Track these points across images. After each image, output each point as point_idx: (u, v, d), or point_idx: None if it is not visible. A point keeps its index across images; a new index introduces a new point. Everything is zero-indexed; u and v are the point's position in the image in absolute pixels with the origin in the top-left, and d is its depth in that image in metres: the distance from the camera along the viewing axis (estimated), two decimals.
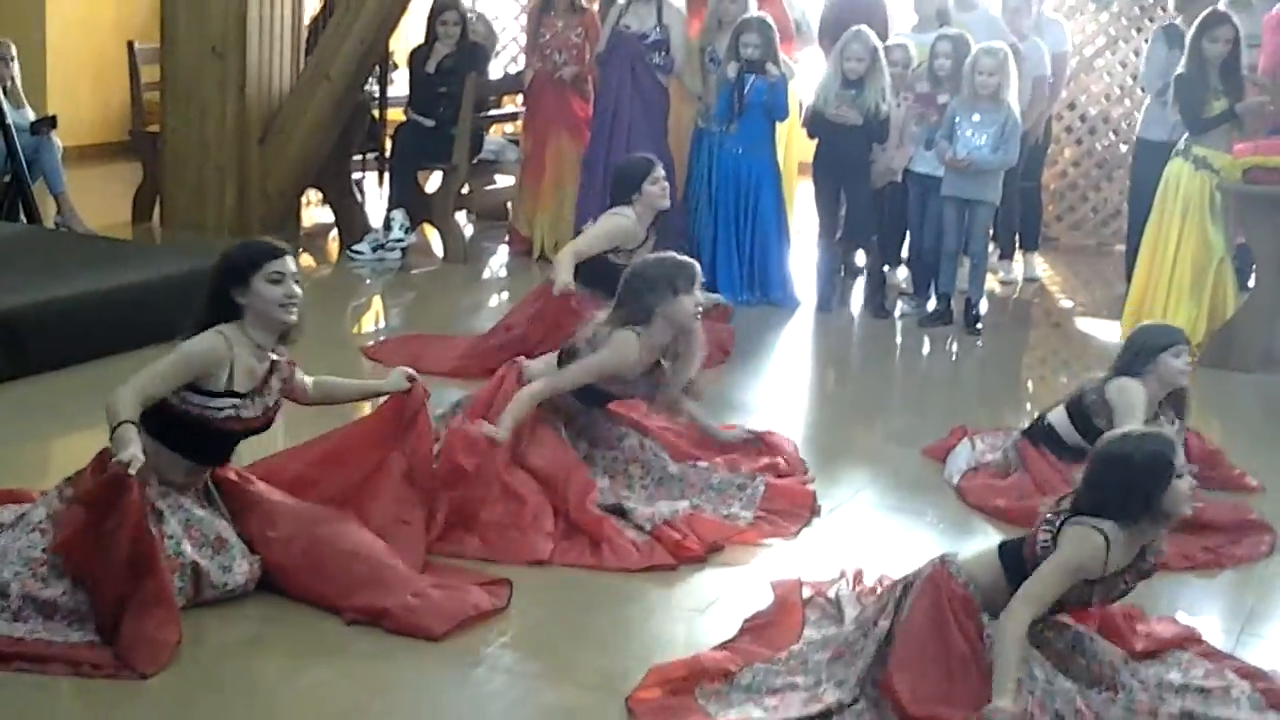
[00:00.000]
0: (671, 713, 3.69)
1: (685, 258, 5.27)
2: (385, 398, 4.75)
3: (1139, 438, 3.82)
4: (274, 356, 4.34)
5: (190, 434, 4.21)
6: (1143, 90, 9.13)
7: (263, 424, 4.35)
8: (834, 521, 5.11)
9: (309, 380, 4.59)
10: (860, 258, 8.84)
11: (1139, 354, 5.27)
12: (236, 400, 4.22)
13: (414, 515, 4.57)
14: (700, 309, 5.18)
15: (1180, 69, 7.60)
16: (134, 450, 3.85)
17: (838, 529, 5.06)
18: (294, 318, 4.28)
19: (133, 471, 3.81)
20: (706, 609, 4.38)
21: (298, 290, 4.28)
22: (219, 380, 4.18)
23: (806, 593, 4.34)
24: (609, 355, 5.06)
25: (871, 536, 5.00)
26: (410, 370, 4.72)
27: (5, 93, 8.62)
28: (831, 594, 4.33)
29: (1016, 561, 3.76)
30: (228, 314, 4.23)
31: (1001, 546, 3.87)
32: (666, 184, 6.81)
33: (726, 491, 5.09)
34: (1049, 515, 3.79)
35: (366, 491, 4.57)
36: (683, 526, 4.80)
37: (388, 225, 8.92)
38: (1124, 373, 5.22)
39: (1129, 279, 8.21)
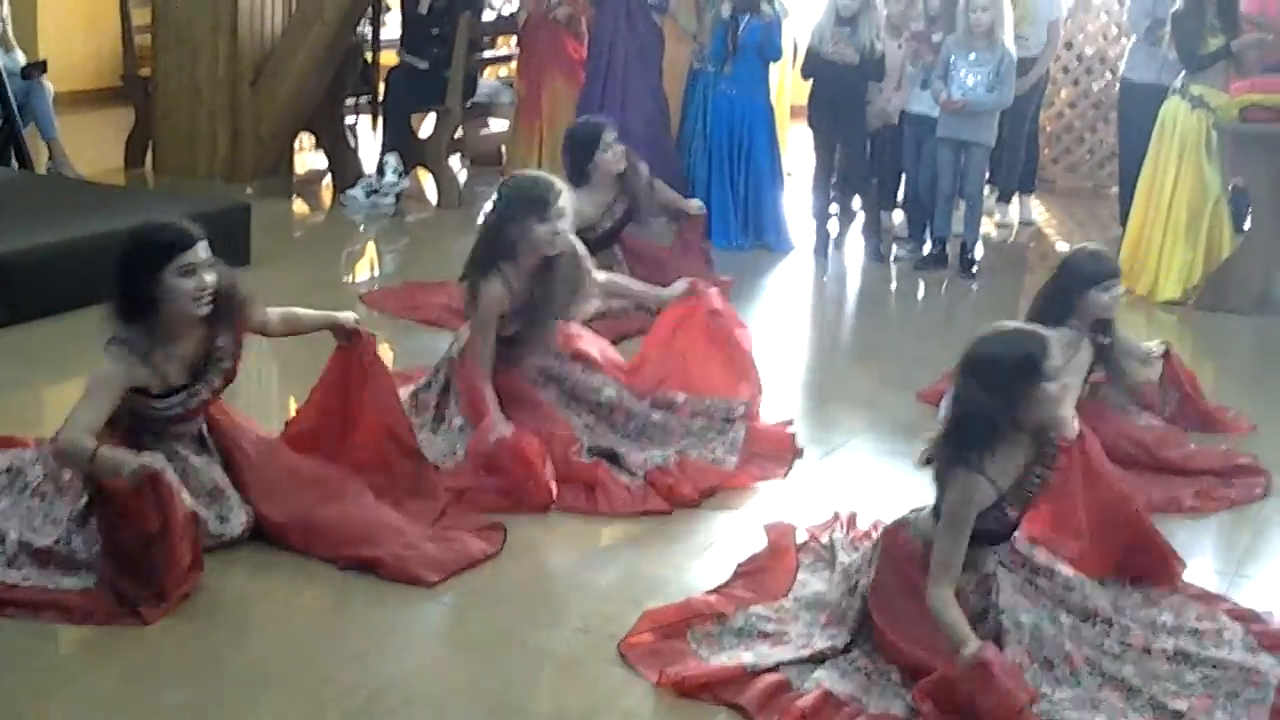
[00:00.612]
0: (664, 656, 3.71)
1: (540, 177, 5.24)
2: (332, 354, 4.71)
3: (1003, 338, 3.72)
4: (214, 340, 4.26)
5: (157, 427, 4.20)
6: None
7: (222, 387, 4.31)
8: (828, 465, 5.12)
9: (275, 314, 4.55)
10: (856, 201, 8.81)
11: (1064, 290, 5.06)
12: (181, 395, 4.19)
13: (406, 469, 4.60)
14: (556, 235, 5.04)
15: (1177, 5, 7.54)
16: (137, 457, 3.87)
17: (832, 473, 5.06)
18: (206, 309, 4.15)
19: (159, 467, 3.85)
20: (701, 553, 4.39)
21: (209, 279, 4.14)
22: (153, 386, 4.13)
23: (800, 537, 4.36)
24: (481, 309, 4.99)
25: (865, 480, 5.00)
26: (351, 315, 4.70)
27: None
28: (825, 539, 4.35)
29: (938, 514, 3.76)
30: (139, 310, 4.10)
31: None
32: (620, 146, 6.81)
33: (707, 436, 5.09)
34: (927, 457, 3.76)
35: (354, 458, 4.58)
36: (675, 471, 4.82)
37: (381, 170, 8.88)
38: (1043, 316, 4.85)
39: (1123, 222, 8.19)
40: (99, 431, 3.97)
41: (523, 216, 4.99)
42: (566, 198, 5.08)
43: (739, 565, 4.20)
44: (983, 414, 3.63)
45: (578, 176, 6.74)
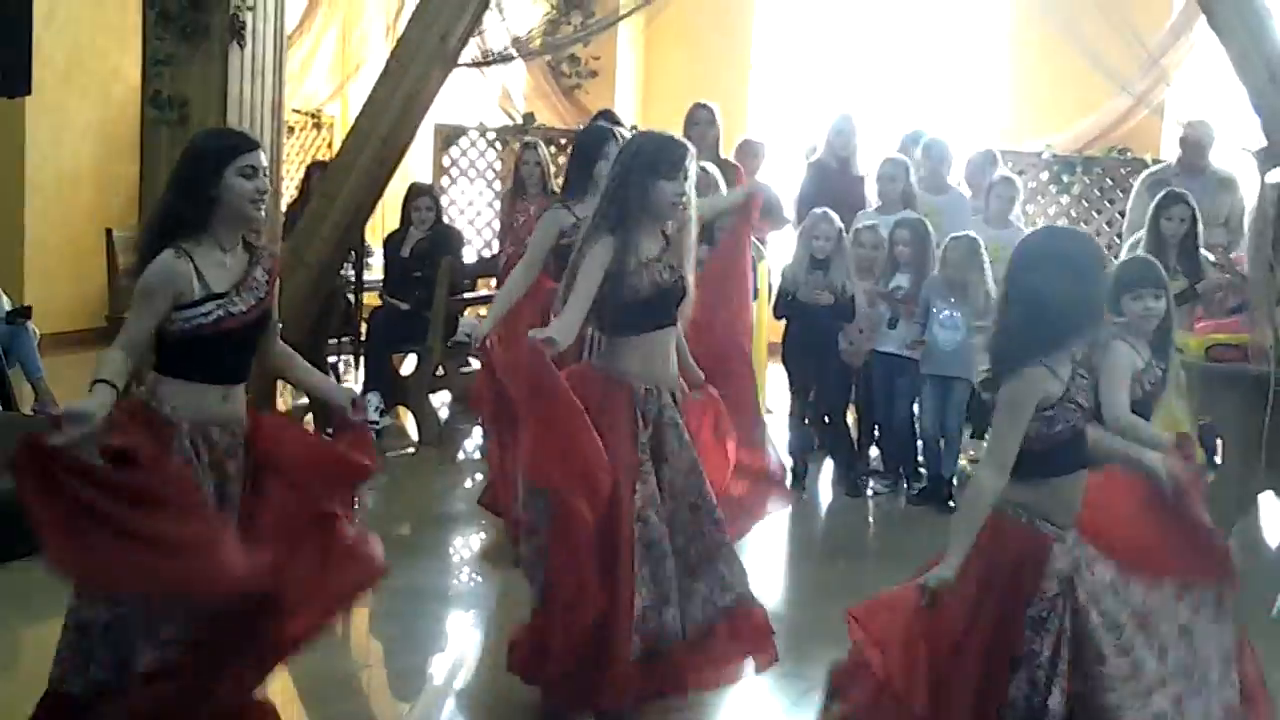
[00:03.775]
0: None
1: (672, 136, 4.95)
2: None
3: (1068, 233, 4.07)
4: (254, 244, 4.27)
5: (198, 353, 4.14)
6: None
7: (258, 318, 4.24)
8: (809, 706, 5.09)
9: (282, 346, 4.50)
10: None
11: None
12: (220, 300, 4.13)
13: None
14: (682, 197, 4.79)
15: (1139, 250, 7.75)
16: (83, 407, 3.91)
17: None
18: (262, 214, 4.20)
19: (54, 443, 3.84)
20: None
21: (267, 185, 4.22)
22: (193, 292, 4.09)
23: None
24: (583, 269, 4.67)
25: None
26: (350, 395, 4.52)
27: None
28: None
29: None
30: (195, 210, 4.11)
31: None
32: None
33: None
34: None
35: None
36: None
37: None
38: None
39: None
40: (144, 354, 4.07)
41: (648, 172, 4.74)
42: (695, 168, 4.84)
43: None
44: (1060, 304, 3.72)
45: (580, 185, 6.50)
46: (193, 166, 4.16)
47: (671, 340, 4.89)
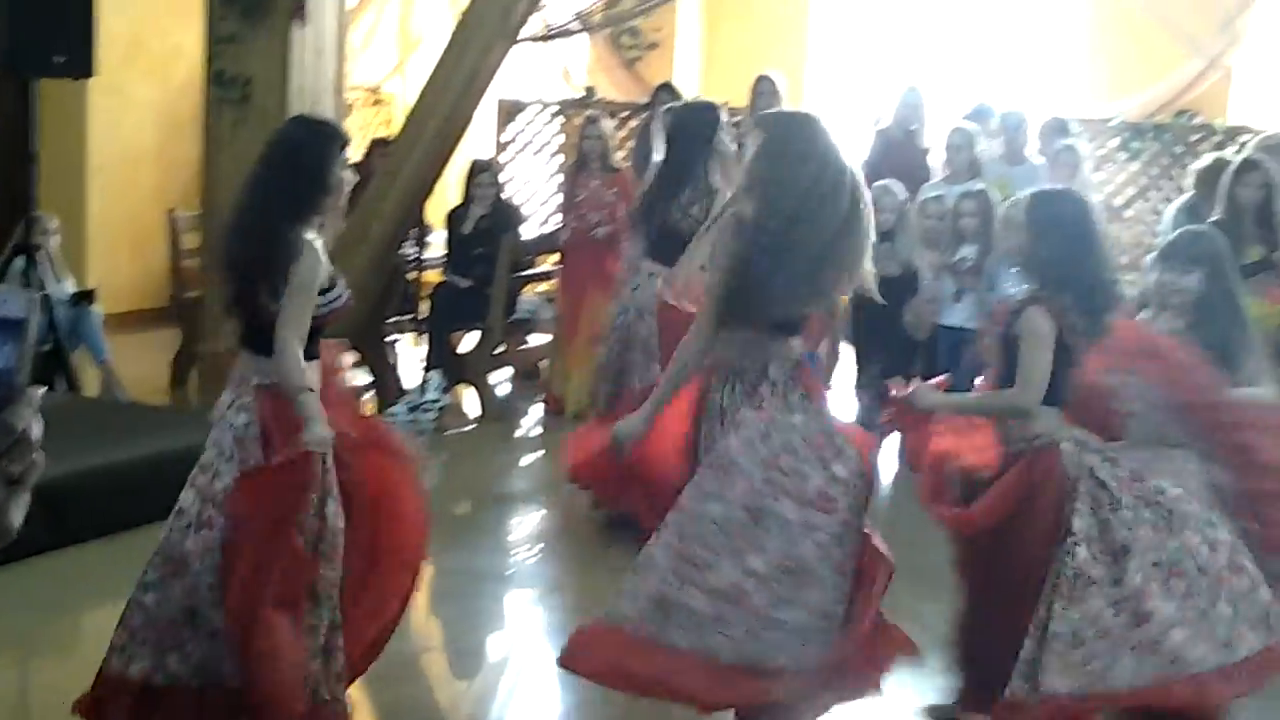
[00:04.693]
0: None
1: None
2: None
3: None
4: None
5: (316, 336, 4.27)
6: None
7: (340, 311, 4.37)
8: None
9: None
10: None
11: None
12: (338, 284, 4.33)
13: None
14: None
15: (1215, 216, 7.60)
16: (322, 428, 3.98)
17: None
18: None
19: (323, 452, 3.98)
20: None
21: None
22: (327, 278, 4.26)
23: None
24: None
25: None
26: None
27: (49, 263, 8.73)
28: None
29: None
30: (319, 197, 4.23)
31: None
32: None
33: None
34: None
35: None
36: None
37: (423, 387, 8.95)
38: None
39: None
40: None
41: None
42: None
43: None
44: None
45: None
46: (313, 154, 4.26)
47: None
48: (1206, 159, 8.52)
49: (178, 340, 9.72)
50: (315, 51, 8.87)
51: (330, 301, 4.26)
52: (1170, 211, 8.79)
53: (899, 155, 9.00)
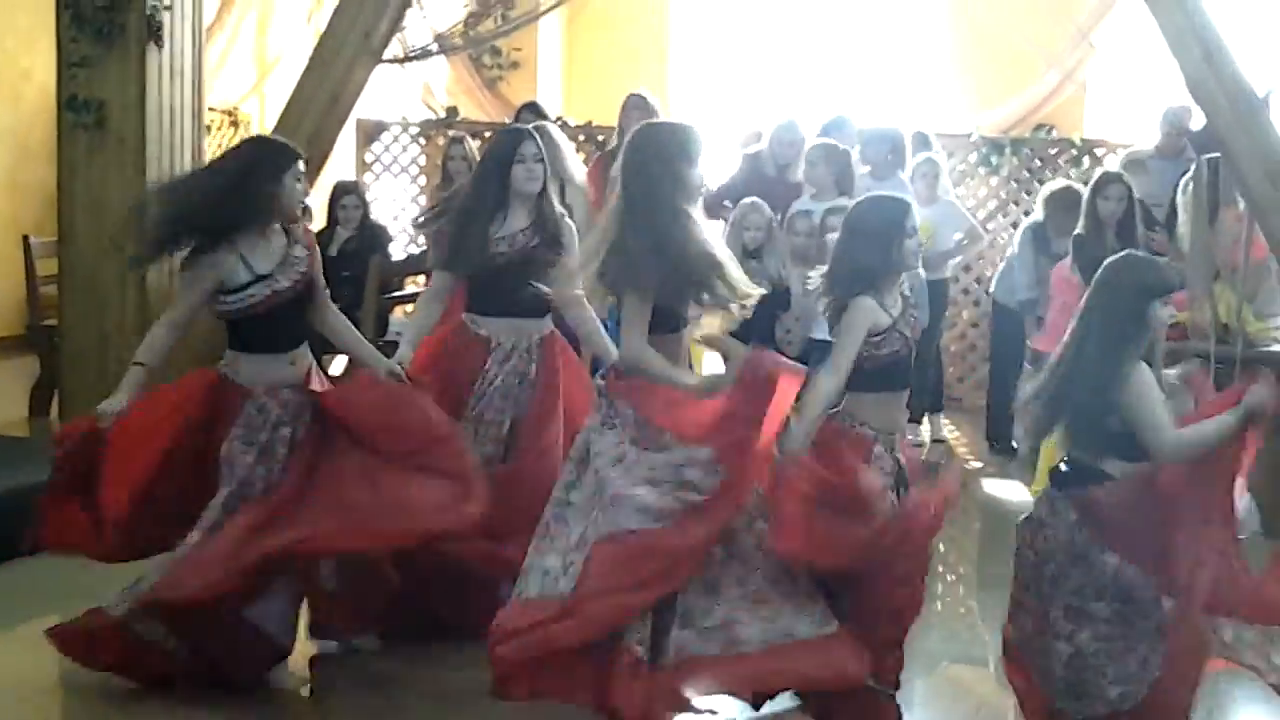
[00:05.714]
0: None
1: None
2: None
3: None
4: (287, 228, 5.07)
5: (258, 329, 5.02)
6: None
7: (304, 290, 5.09)
8: None
9: (334, 317, 5.40)
10: None
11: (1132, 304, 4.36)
12: (265, 279, 4.96)
13: None
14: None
15: (1078, 229, 7.74)
16: (115, 401, 4.93)
17: None
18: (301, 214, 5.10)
19: (101, 425, 4.86)
20: None
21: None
22: (239, 277, 4.92)
23: None
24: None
25: None
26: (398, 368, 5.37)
27: None
28: None
29: None
30: (255, 203, 4.89)
31: None
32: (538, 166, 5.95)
33: None
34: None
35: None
36: None
37: None
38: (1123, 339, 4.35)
39: (989, 438, 8.87)
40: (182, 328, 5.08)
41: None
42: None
43: None
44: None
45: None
46: (260, 166, 4.94)
47: None
48: (1058, 183, 8.68)
49: (34, 368, 9.46)
50: (171, 73, 8.69)
51: (253, 294, 4.95)
52: (1019, 233, 8.95)
53: (767, 188, 8.82)
